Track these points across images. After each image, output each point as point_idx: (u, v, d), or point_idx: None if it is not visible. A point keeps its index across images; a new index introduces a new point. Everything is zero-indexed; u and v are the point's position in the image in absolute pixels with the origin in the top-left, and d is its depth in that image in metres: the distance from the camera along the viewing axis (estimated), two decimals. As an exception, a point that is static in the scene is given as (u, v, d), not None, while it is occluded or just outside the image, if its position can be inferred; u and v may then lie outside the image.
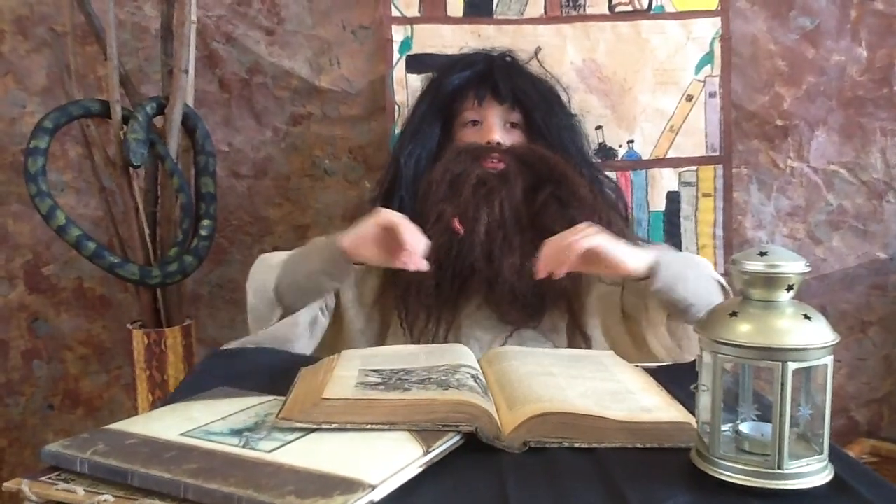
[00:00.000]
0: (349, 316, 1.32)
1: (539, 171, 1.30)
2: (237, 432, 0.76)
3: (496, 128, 1.33)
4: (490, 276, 1.23)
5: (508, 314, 1.26)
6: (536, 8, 1.64)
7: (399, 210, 1.25)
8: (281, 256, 1.25)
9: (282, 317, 1.20)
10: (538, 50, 1.61)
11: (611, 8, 1.65)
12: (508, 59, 1.43)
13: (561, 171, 1.29)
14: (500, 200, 1.25)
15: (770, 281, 0.69)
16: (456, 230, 1.24)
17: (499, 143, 1.32)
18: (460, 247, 1.24)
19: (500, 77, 1.34)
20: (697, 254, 1.68)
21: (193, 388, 0.95)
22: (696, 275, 1.14)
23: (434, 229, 1.23)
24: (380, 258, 1.13)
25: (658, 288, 1.09)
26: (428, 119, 1.38)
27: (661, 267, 1.09)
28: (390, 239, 1.10)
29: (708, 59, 1.65)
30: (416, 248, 1.07)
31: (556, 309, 1.29)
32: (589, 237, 1.05)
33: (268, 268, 1.23)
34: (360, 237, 1.13)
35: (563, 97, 1.47)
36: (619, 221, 1.32)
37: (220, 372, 1.02)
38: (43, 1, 1.64)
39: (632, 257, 1.08)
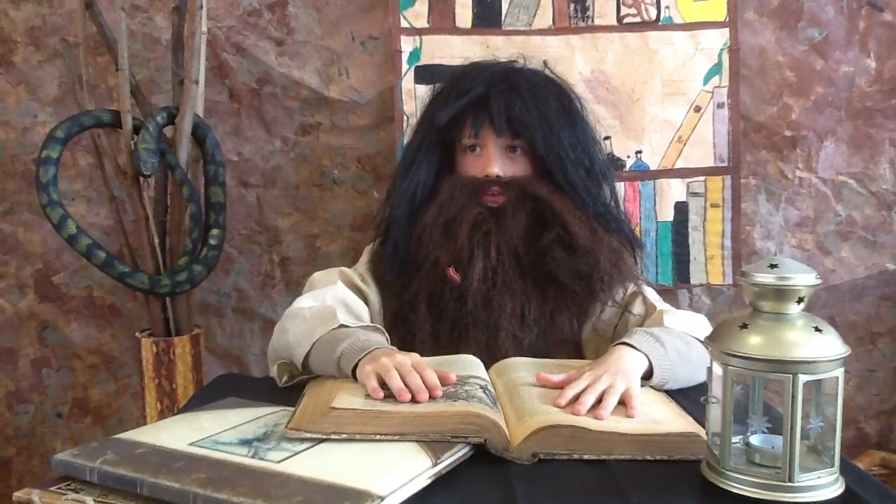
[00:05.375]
0: None
1: (541, 206, 1.25)
2: (246, 442, 0.77)
3: (495, 159, 1.25)
4: (489, 324, 1.19)
5: None
6: (545, 19, 1.65)
7: (394, 254, 1.26)
8: (310, 323, 1.13)
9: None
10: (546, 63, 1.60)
11: (619, 19, 1.65)
12: (511, 72, 1.32)
13: (560, 217, 1.23)
14: (496, 244, 1.21)
15: (781, 293, 0.69)
16: (452, 279, 1.21)
17: (498, 177, 1.25)
18: (457, 294, 1.21)
19: (497, 107, 1.25)
20: (706, 264, 1.68)
21: (203, 402, 0.96)
22: (689, 361, 1.09)
23: (430, 277, 1.22)
24: None
25: (655, 385, 1.04)
26: (423, 151, 1.31)
27: (655, 371, 1.04)
28: None
29: (716, 69, 1.65)
30: None
31: (560, 354, 1.25)
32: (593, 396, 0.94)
33: (300, 335, 1.11)
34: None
35: (576, 104, 1.36)
36: (621, 260, 1.26)
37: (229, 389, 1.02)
38: (55, 12, 1.66)
39: (632, 376, 1.00)
